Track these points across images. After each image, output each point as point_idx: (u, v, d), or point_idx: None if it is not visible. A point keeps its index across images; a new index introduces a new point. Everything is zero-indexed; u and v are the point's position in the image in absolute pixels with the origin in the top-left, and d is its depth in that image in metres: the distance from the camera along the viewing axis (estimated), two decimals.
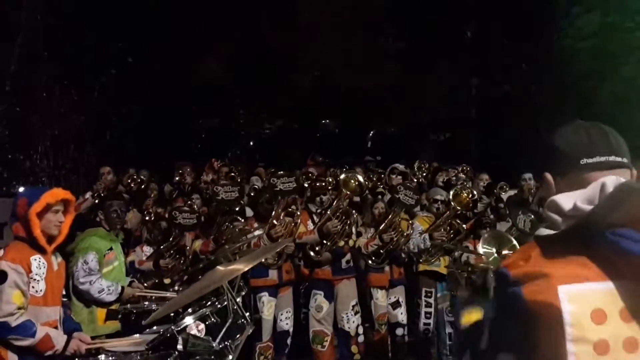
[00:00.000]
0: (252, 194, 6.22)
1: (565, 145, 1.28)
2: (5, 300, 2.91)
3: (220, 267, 2.66)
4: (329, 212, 5.38)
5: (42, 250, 3.10)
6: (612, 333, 1.05)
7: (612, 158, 1.24)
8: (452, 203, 5.67)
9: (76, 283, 4.08)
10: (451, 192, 5.79)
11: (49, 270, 3.12)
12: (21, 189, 3.91)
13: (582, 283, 1.08)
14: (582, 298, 1.07)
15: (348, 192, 5.46)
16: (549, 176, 1.30)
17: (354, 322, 5.50)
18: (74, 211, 3.35)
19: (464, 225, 5.74)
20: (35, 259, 3.06)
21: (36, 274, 3.04)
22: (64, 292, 3.56)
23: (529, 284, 1.10)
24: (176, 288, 4.84)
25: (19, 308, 2.96)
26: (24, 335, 2.93)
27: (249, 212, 5.97)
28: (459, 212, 5.70)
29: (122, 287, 4.21)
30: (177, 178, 7.76)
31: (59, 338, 3.07)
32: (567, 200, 1.17)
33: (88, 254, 4.12)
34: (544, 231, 1.20)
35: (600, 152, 1.25)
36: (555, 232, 1.16)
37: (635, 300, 1.05)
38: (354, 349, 5.55)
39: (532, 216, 5.25)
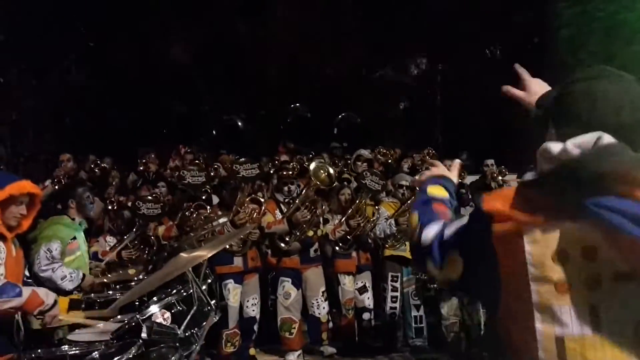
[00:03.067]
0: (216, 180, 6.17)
1: (585, 117, 1.14)
2: None
3: (183, 254, 2.65)
4: (297, 202, 5.39)
5: (2, 237, 3.02)
6: (574, 271, 1.08)
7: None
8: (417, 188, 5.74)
9: (37, 271, 3.99)
10: (416, 177, 5.86)
11: (8, 256, 3.04)
12: None
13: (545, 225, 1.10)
14: (544, 240, 1.09)
15: (318, 183, 5.48)
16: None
17: (324, 308, 5.55)
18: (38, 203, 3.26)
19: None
20: None
21: None
22: (27, 279, 3.47)
23: (498, 223, 1.14)
24: (140, 277, 4.78)
25: None
26: (11, 296, 2.81)
27: (215, 200, 5.93)
28: None
29: (84, 274, 4.16)
30: (141, 167, 7.61)
31: (48, 294, 2.98)
32: (557, 145, 1.12)
33: (52, 242, 4.04)
34: (527, 175, 1.20)
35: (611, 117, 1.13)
36: (535, 177, 1.15)
37: (597, 240, 1.05)
38: (324, 335, 5.62)
39: None
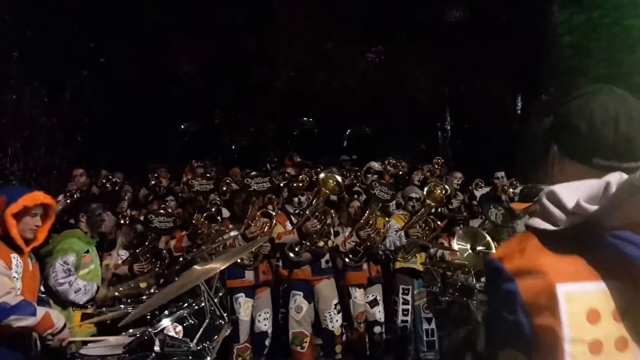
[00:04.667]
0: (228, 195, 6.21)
1: (584, 130, 1.16)
2: None
3: (196, 267, 2.66)
4: (307, 212, 5.40)
5: (19, 250, 3.06)
6: (606, 333, 1.04)
7: (627, 164, 1.15)
8: (427, 200, 5.74)
9: (54, 284, 4.00)
10: (425, 189, 5.86)
11: (25, 270, 3.08)
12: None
13: (578, 282, 1.05)
14: (578, 298, 1.04)
15: (327, 192, 5.49)
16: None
17: (337, 321, 5.51)
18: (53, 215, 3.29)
19: (439, 222, 5.81)
20: (14, 257, 3.02)
21: (15, 272, 2.99)
22: (41, 294, 3.50)
23: (525, 279, 1.07)
24: (152, 291, 4.79)
25: (13, 289, 2.89)
26: (25, 314, 2.83)
27: (226, 213, 5.95)
28: (433, 209, 5.77)
29: (98, 287, 4.18)
30: (152, 182, 7.67)
31: (59, 317, 3.00)
32: (568, 195, 1.09)
33: (68, 255, 4.05)
34: (537, 221, 1.13)
35: (625, 156, 1.15)
36: (554, 228, 1.10)
37: (627, 301, 1.04)
38: (337, 348, 5.57)
39: (503, 210, 5.38)
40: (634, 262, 1.00)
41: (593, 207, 1.05)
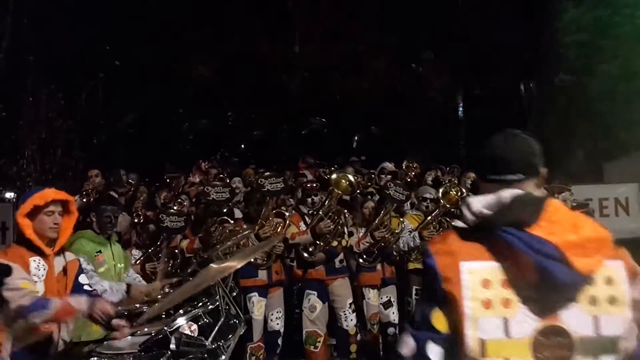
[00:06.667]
0: (241, 196, 6.22)
1: (484, 157, 1.74)
2: (15, 288, 2.81)
3: (213, 265, 2.67)
4: (320, 212, 5.40)
5: (41, 253, 3.01)
6: (494, 294, 1.55)
7: (510, 177, 1.66)
8: (442, 201, 5.71)
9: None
10: (440, 190, 5.83)
11: (49, 272, 3.02)
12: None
13: (477, 261, 1.58)
14: (476, 271, 1.57)
15: (340, 192, 5.48)
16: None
17: (352, 320, 5.50)
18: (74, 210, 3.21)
19: (453, 223, 5.77)
20: (35, 260, 2.97)
21: (34, 275, 2.95)
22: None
23: (441, 257, 1.61)
24: (166, 290, 4.80)
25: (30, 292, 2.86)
26: (41, 308, 2.76)
27: (237, 213, 5.96)
28: (448, 209, 5.74)
29: (128, 285, 4.04)
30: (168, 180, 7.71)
31: (80, 300, 2.86)
32: (476, 204, 1.63)
33: (79, 257, 4.05)
34: (457, 222, 1.68)
35: (504, 171, 1.67)
36: (465, 225, 1.64)
37: (510, 274, 1.55)
38: (352, 347, 5.56)
39: None
40: (514, 249, 1.53)
41: (489, 213, 1.60)
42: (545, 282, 1.51)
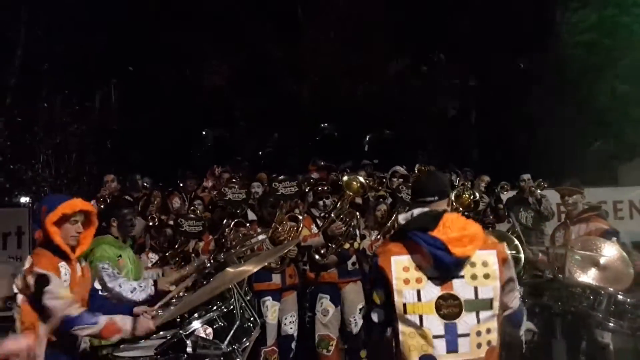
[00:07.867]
0: (256, 199, 6.25)
1: (414, 187, 2.82)
2: (58, 297, 2.87)
3: (229, 269, 2.70)
4: (332, 215, 5.41)
5: (66, 258, 3.07)
6: (410, 275, 2.34)
7: (429, 199, 2.49)
8: (454, 204, 5.70)
9: (106, 288, 3.98)
10: (453, 193, 5.82)
11: (72, 277, 3.08)
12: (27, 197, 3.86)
13: (400, 255, 2.37)
14: (399, 261, 2.37)
15: (351, 194, 5.48)
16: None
17: (361, 326, 5.48)
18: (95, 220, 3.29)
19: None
20: (62, 266, 3.03)
21: (64, 281, 3.01)
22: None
23: (380, 255, 2.43)
24: (181, 294, 4.83)
25: (73, 301, 2.93)
26: (88, 323, 2.86)
27: (251, 216, 5.99)
28: (461, 213, 5.72)
29: (155, 282, 4.00)
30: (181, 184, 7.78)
31: (125, 320, 2.97)
32: (401, 217, 2.51)
33: (103, 262, 4.08)
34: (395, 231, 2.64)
35: (422, 195, 2.53)
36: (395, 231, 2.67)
37: (417, 262, 2.35)
38: (362, 353, 5.56)
39: (532, 213, 5.32)
40: (418, 245, 2.34)
41: (404, 221, 2.46)
42: (437, 264, 2.30)
